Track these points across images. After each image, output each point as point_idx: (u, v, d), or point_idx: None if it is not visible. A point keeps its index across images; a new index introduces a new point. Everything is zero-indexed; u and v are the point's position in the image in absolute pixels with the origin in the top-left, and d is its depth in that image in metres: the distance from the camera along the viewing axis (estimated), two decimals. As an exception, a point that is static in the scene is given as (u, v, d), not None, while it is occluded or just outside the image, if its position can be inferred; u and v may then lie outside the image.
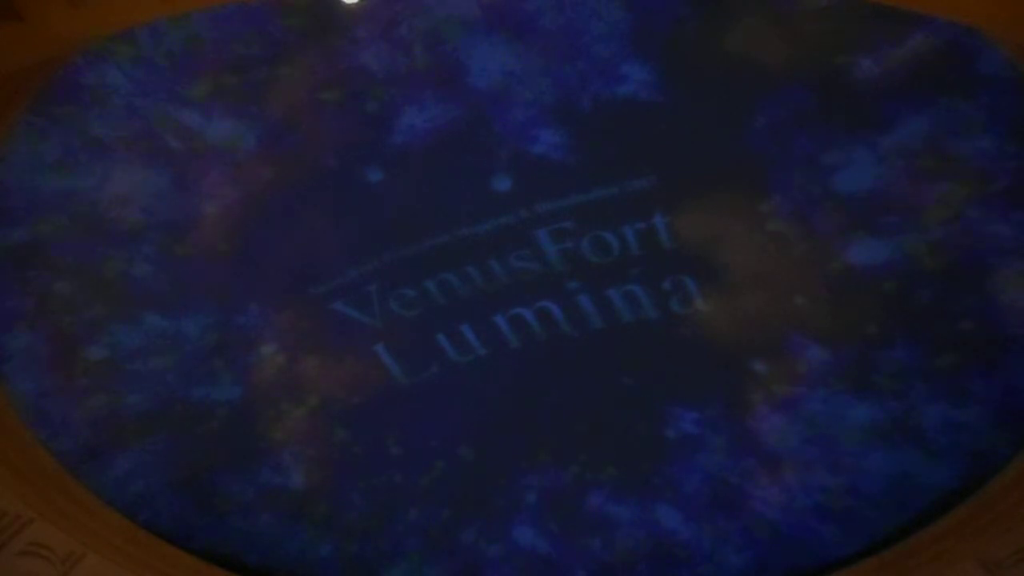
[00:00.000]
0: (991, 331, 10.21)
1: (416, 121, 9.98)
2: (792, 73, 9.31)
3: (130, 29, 8.72)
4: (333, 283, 10.89)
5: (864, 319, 10.53)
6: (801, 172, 9.86)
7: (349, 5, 9.30)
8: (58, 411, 10.65)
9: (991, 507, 10.36)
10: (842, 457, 11.33)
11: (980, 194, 9.52)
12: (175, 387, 11.13)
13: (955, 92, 9.03)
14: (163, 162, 9.91)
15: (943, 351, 10.46)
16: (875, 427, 11.06)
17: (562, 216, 10.55)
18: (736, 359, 11.14)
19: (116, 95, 9.39)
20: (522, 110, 9.87)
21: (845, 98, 9.32)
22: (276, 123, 9.87)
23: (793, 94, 9.43)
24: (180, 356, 11.01)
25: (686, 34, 9.25)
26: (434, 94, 9.81)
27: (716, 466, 11.76)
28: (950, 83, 8.99)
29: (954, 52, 8.81)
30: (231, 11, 9.06)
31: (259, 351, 11.20)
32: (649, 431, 11.76)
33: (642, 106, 9.72)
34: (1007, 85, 8.82)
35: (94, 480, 10.92)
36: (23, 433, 10.27)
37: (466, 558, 12.36)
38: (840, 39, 9.04)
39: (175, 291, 10.65)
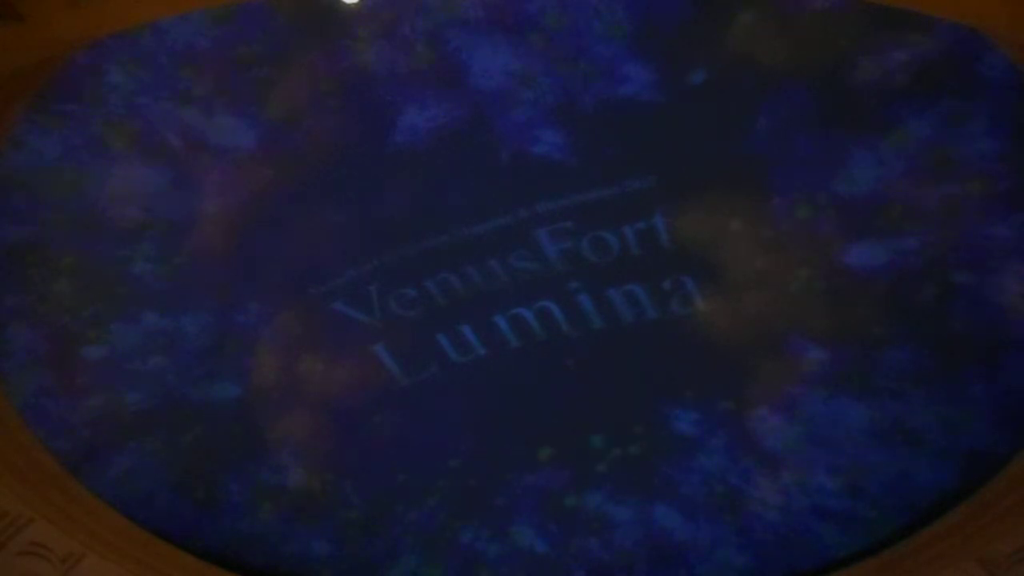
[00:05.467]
0: (991, 332, 10.23)
1: (417, 121, 9.97)
2: (793, 74, 9.31)
3: (130, 28, 8.70)
4: (333, 283, 10.88)
5: (864, 320, 10.55)
6: (802, 173, 9.87)
7: (350, 5, 9.29)
8: (57, 410, 10.63)
9: (991, 507, 10.38)
10: (842, 458, 11.34)
11: (981, 196, 9.54)
12: (175, 386, 11.11)
13: (956, 94, 9.04)
14: (163, 161, 9.89)
15: (943, 352, 10.48)
16: (875, 428, 11.07)
17: (562, 216, 10.54)
18: (736, 359, 11.14)
19: (116, 94, 9.38)
20: (523, 110, 9.88)
21: (846, 99, 9.32)
22: (277, 122, 9.85)
23: (794, 95, 9.43)
24: (180, 355, 10.98)
25: (688, 35, 9.25)
26: (435, 94, 9.80)
27: (715, 466, 11.76)
28: (951, 85, 9.00)
29: (956, 54, 8.82)
30: (232, 10, 9.05)
31: (259, 351, 11.18)
32: (648, 431, 11.75)
33: (643, 107, 9.72)
34: (1009, 87, 8.82)
35: (94, 480, 10.90)
36: (23, 433, 10.25)
37: (465, 558, 12.36)
38: (841, 40, 9.05)
39: (175, 290, 10.62)
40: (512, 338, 11.30)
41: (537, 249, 10.74)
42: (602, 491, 12.07)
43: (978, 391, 10.50)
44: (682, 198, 10.32)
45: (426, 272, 10.86)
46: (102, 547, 10.66)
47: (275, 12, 9.19)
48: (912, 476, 11.07)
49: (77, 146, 9.51)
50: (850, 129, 9.54)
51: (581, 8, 9.16)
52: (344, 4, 9.23)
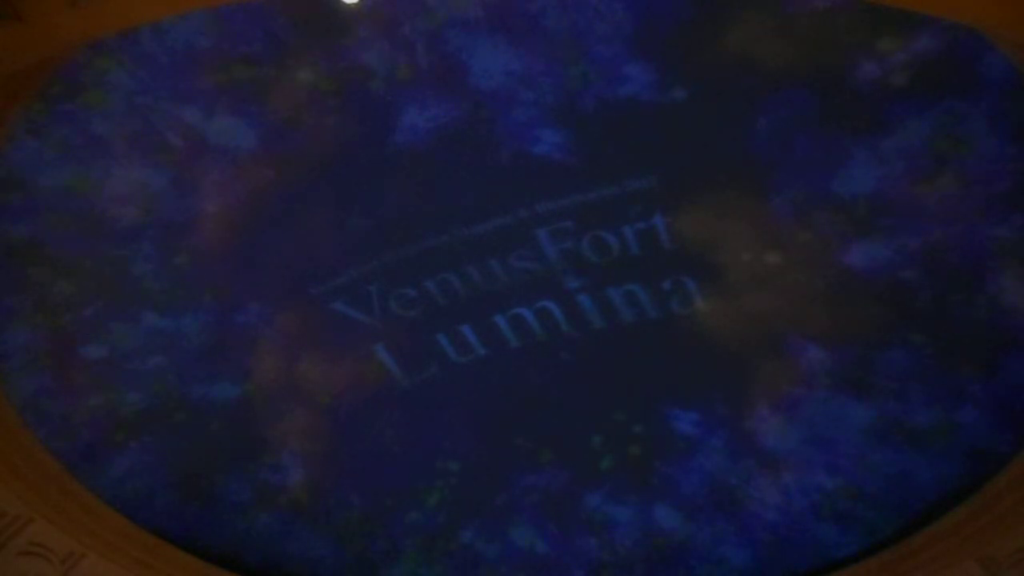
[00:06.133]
0: (990, 333, 10.23)
1: (417, 121, 9.98)
2: (794, 75, 9.32)
3: (130, 28, 8.70)
4: (333, 283, 10.88)
5: (864, 320, 10.55)
6: (802, 173, 9.87)
7: (350, 5, 9.28)
8: (57, 410, 10.63)
9: (991, 507, 10.38)
10: (841, 458, 11.34)
11: (980, 197, 9.54)
12: (174, 386, 11.11)
13: (956, 94, 9.04)
14: (163, 160, 9.89)
15: (942, 352, 10.48)
16: (874, 428, 11.07)
17: (562, 216, 10.54)
18: (736, 359, 11.14)
19: (117, 93, 9.38)
20: (524, 110, 9.88)
21: (846, 100, 9.33)
22: (277, 122, 9.86)
23: (794, 96, 9.43)
24: (179, 355, 10.99)
25: (689, 35, 9.26)
26: (436, 94, 9.80)
27: (715, 466, 11.76)
28: (951, 85, 9.00)
29: (955, 54, 8.83)
30: (232, 10, 9.05)
31: (259, 350, 11.18)
32: (648, 431, 11.76)
33: (644, 107, 9.73)
34: (1008, 87, 8.83)
35: (94, 480, 10.90)
36: (23, 433, 10.25)
37: (464, 558, 12.36)
38: (841, 41, 9.05)
39: (175, 290, 10.64)
40: (512, 338, 11.30)
41: (537, 249, 10.74)
42: (602, 491, 12.07)
43: (978, 391, 10.50)
44: (682, 198, 10.33)
45: (426, 272, 10.86)
46: (102, 547, 10.65)
47: (275, 12, 9.19)
48: (912, 476, 11.07)
49: (77, 146, 9.51)
50: (850, 129, 9.54)
51: (581, 8, 9.16)
52: (344, 4, 9.23)
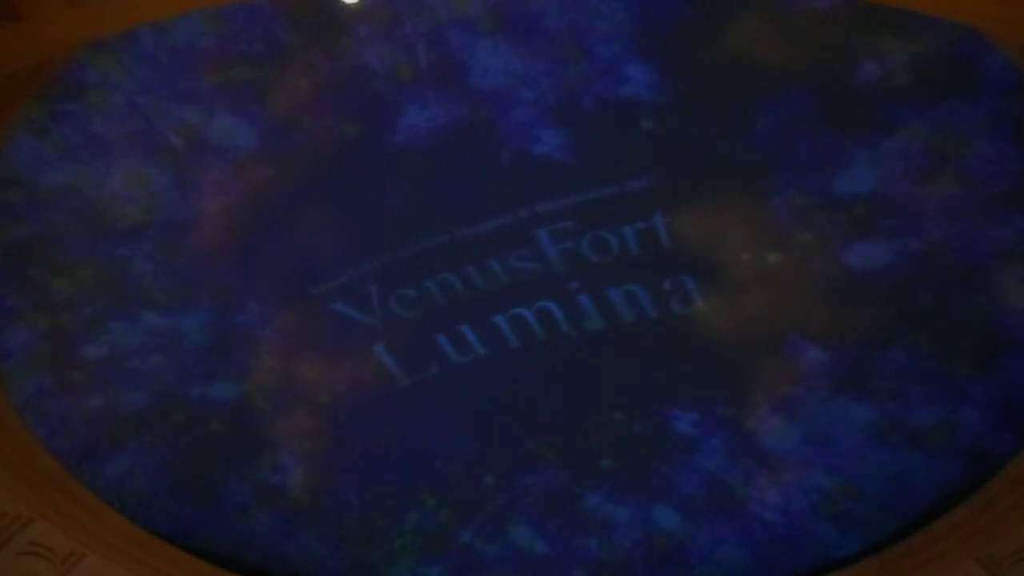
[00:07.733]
0: (990, 333, 10.24)
1: (418, 120, 9.98)
2: (794, 75, 9.31)
3: (131, 28, 8.71)
4: (333, 283, 10.88)
5: (864, 321, 10.55)
6: (802, 174, 9.87)
7: (350, 5, 9.29)
8: (57, 410, 10.65)
9: (991, 507, 10.40)
10: (841, 458, 11.35)
11: (981, 197, 9.55)
12: (174, 386, 11.11)
13: (957, 95, 9.04)
14: (163, 160, 9.89)
15: (942, 353, 10.48)
16: (874, 428, 11.08)
17: (562, 216, 10.54)
18: (736, 359, 11.14)
19: (117, 92, 9.38)
20: (524, 110, 9.88)
21: (847, 100, 9.33)
22: (277, 122, 9.85)
23: (795, 96, 9.44)
24: (179, 355, 10.98)
25: (689, 35, 9.26)
26: (436, 94, 9.81)
27: (715, 466, 11.76)
28: (952, 86, 9.01)
29: (956, 55, 8.82)
30: (232, 10, 9.05)
31: (258, 350, 11.18)
32: (648, 431, 11.76)
33: (644, 107, 9.73)
34: (1009, 88, 8.83)
35: (93, 480, 10.91)
36: (23, 433, 10.26)
37: (464, 558, 12.37)
38: (842, 41, 9.06)
39: (175, 289, 10.63)
40: (512, 338, 11.30)
41: (537, 249, 10.74)
42: (602, 491, 12.07)
43: (978, 391, 10.51)
44: (682, 198, 10.33)
45: (426, 272, 10.86)
46: (102, 547, 10.66)
47: (275, 12, 9.19)
48: (912, 476, 11.08)
49: (77, 146, 9.51)
50: (850, 129, 9.54)
51: (581, 8, 9.17)
52: (344, 4, 9.24)
